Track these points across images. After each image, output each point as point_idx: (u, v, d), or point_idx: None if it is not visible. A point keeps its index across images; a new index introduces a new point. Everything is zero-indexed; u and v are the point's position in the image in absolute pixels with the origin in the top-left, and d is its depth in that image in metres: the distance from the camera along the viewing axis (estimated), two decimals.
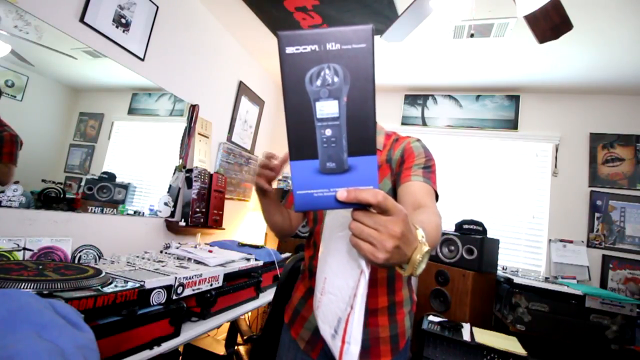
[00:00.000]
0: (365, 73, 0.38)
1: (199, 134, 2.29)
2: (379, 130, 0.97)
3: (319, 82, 0.39)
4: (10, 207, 1.28)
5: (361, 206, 0.42)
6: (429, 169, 0.84)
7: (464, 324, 1.99)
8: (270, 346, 1.15)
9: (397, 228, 0.42)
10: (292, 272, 1.18)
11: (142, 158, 1.94)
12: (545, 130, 2.77)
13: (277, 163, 0.78)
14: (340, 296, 0.50)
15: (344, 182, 0.42)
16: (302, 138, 0.41)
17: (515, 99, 2.87)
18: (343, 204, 0.42)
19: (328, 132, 0.40)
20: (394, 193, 0.86)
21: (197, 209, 2.12)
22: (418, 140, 0.92)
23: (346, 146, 0.41)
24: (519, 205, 2.75)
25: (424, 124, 3.10)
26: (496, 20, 1.95)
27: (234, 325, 2.04)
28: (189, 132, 2.18)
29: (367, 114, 0.40)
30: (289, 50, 0.38)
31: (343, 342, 0.47)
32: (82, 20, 1.48)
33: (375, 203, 0.41)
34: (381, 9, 2.01)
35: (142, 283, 1.01)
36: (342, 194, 0.42)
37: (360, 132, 0.40)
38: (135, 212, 1.85)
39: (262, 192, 0.85)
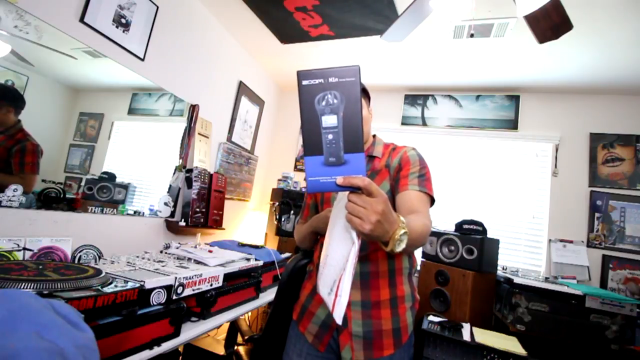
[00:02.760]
0: (355, 97, 0.54)
1: (199, 134, 2.29)
2: (378, 141, 1.09)
3: (323, 103, 0.55)
4: (10, 207, 1.28)
5: (354, 189, 0.58)
6: (423, 177, 0.95)
7: (464, 324, 1.99)
8: (270, 346, 1.15)
9: (379, 206, 0.56)
10: (293, 271, 1.17)
11: (142, 158, 1.94)
12: (545, 130, 2.77)
13: None
14: (337, 265, 0.63)
15: (341, 171, 0.57)
16: (312, 140, 0.57)
17: (515, 99, 2.87)
18: (341, 187, 0.57)
19: (330, 136, 0.56)
20: (392, 194, 0.97)
21: (197, 209, 2.12)
22: (414, 149, 1.04)
23: (342, 146, 0.56)
24: (519, 205, 2.75)
25: (424, 124, 3.11)
26: (496, 20, 1.95)
27: (234, 325, 2.04)
28: (189, 132, 2.18)
29: (357, 124, 0.55)
30: (304, 82, 0.54)
31: (336, 295, 0.60)
32: (82, 20, 1.49)
33: (363, 186, 0.56)
34: (381, 9, 2.01)
35: (142, 283, 1.01)
36: (339, 180, 0.56)
37: (352, 137, 0.56)
38: (135, 212, 1.85)
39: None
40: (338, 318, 0.59)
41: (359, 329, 0.88)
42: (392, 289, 0.93)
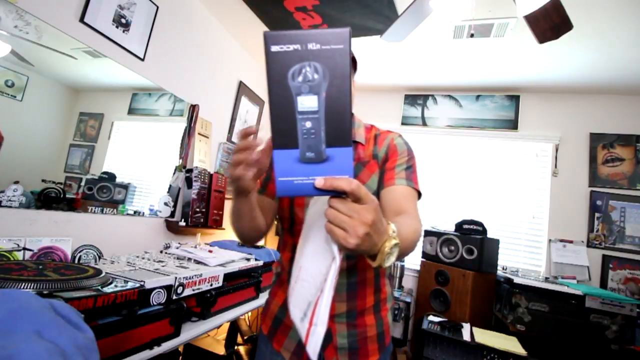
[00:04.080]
0: (342, 72, 0.42)
1: (199, 134, 2.28)
2: (358, 123, 0.93)
3: (300, 78, 0.42)
4: (10, 207, 1.28)
5: (337, 194, 0.46)
6: (410, 168, 0.84)
7: (464, 324, 1.99)
8: None
9: (369, 215, 0.45)
10: None
11: (142, 158, 1.94)
12: (545, 130, 2.77)
13: (262, 147, 0.61)
14: (312, 282, 0.53)
15: (322, 171, 0.45)
16: (284, 129, 0.44)
17: (515, 99, 2.87)
18: (321, 191, 0.45)
19: (308, 124, 0.44)
20: (378, 191, 0.85)
21: (197, 209, 2.12)
22: (400, 136, 0.91)
23: (324, 138, 0.44)
24: (519, 205, 2.75)
25: (424, 124, 3.11)
26: (496, 20, 1.95)
27: (234, 325, 2.04)
28: (189, 132, 2.18)
29: (344, 109, 0.43)
30: (274, 48, 0.41)
31: (310, 323, 0.50)
32: (82, 20, 1.48)
33: (349, 191, 0.44)
34: (381, 9, 2.01)
35: (142, 283, 1.01)
36: (319, 181, 0.45)
37: (337, 126, 0.44)
38: (135, 212, 1.85)
39: (243, 191, 0.67)
40: (313, 354, 0.49)
41: (344, 341, 0.81)
42: (377, 294, 0.87)
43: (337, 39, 0.41)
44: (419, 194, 0.83)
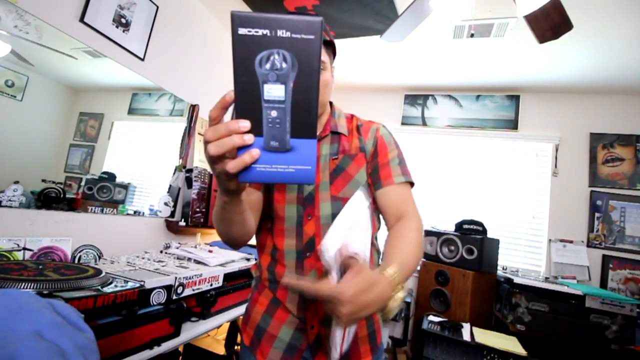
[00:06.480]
0: (312, 64, 0.41)
1: (199, 134, 2.29)
2: (338, 113, 0.90)
3: (268, 66, 0.41)
4: (10, 207, 1.28)
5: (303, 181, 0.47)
6: (402, 162, 0.83)
7: (464, 324, 1.99)
8: None
9: (342, 310, 0.49)
10: None
11: (142, 158, 1.94)
12: (545, 130, 2.77)
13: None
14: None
15: (285, 160, 0.45)
16: (248, 116, 0.43)
17: (515, 99, 2.87)
18: (284, 180, 0.45)
19: (274, 113, 0.43)
20: (368, 184, 0.83)
21: (197, 209, 2.12)
22: (384, 126, 0.89)
23: (289, 128, 0.44)
24: (519, 205, 2.75)
25: (424, 124, 3.11)
26: (496, 20, 1.95)
27: (234, 325, 2.04)
28: (189, 132, 2.18)
29: (311, 102, 0.43)
30: (242, 31, 0.39)
31: (331, 346, 0.59)
32: (82, 20, 1.48)
33: (314, 298, 0.51)
34: (381, 9, 2.01)
35: (142, 283, 1.01)
36: (285, 280, 0.52)
37: (303, 117, 0.43)
38: (135, 212, 1.85)
39: (236, 191, 0.55)
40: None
41: None
42: None
43: (308, 28, 0.40)
44: (412, 184, 0.83)
